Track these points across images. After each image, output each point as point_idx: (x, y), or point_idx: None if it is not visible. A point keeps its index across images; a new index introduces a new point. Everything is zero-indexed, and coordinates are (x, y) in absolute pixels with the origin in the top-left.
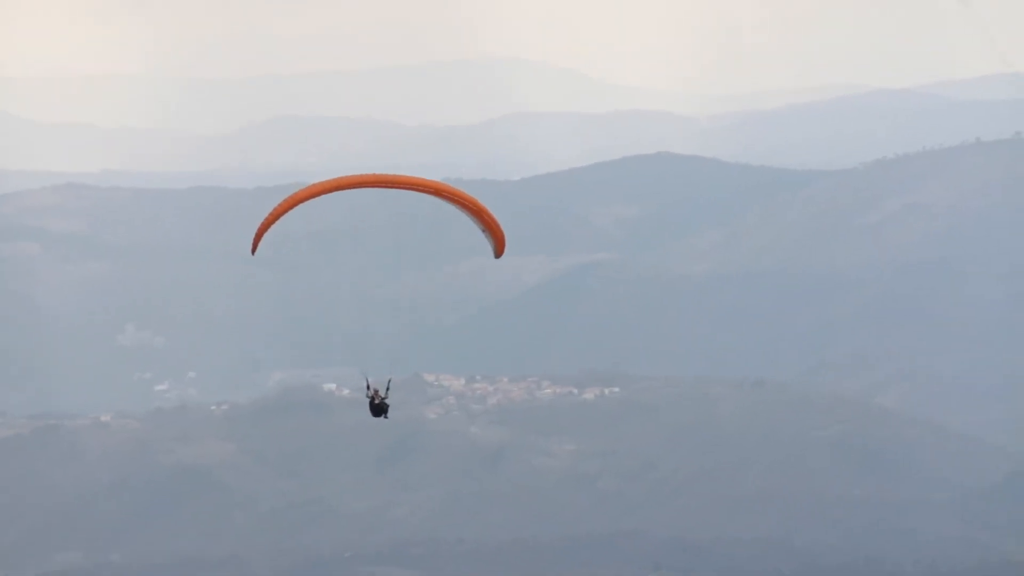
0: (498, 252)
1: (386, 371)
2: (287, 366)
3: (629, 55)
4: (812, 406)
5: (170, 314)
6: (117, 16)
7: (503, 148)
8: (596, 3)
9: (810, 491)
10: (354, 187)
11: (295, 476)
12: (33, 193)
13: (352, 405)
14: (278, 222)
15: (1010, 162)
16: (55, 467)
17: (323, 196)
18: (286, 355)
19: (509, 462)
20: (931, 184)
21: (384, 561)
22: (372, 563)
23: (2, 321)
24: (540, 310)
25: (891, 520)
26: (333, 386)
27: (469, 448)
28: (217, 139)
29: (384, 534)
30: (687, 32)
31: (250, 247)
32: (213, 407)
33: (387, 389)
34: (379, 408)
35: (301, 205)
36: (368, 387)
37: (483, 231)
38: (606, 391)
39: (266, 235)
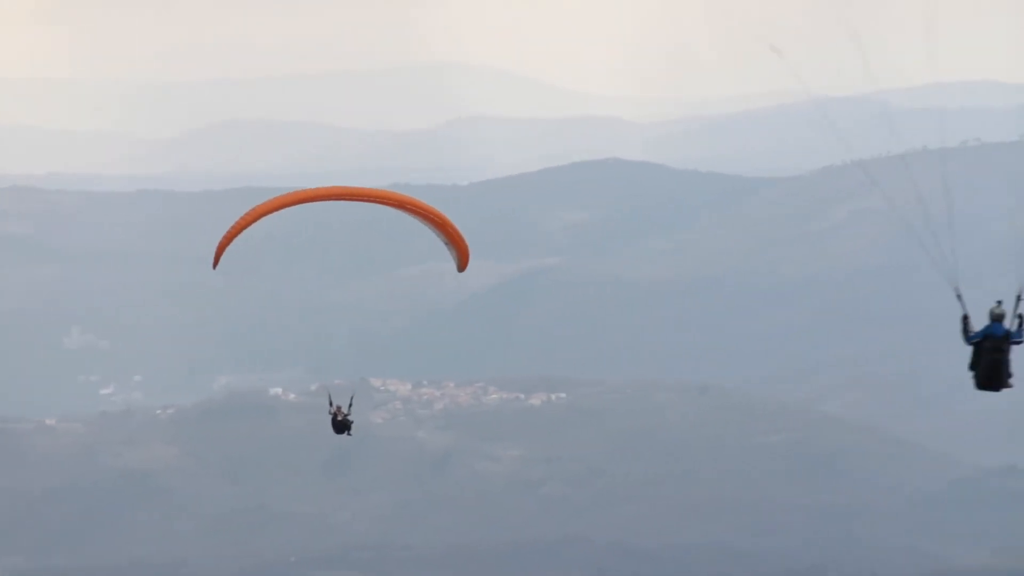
0: (461, 266)
1: (342, 382)
2: (233, 370)
3: (579, 61)
4: (757, 413)
5: (116, 317)
6: (65, 19)
7: (453, 153)
8: (546, 9)
9: (754, 498)
10: (317, 200)
11: (241, 480)
12: None
13: (298, 409)
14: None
15: (957, 169)
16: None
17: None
18: (232, 359)
19: (455, 467)
20: (877, 191)
21: (330, 566)
22: (318, 568)
23: None
24: (488, 315)
25: (835, 527)
26: (279, 390)
27: (415, 453)
28: (165, 142)
29: (330, 539)
30: (636, 39)
31: (193, 252)
32: (158, 411)
33: (350, 405)
34: (342, 425)
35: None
36: (331, 404)
37: (446, 244)
38: (553, 397)
39: (211, 238)
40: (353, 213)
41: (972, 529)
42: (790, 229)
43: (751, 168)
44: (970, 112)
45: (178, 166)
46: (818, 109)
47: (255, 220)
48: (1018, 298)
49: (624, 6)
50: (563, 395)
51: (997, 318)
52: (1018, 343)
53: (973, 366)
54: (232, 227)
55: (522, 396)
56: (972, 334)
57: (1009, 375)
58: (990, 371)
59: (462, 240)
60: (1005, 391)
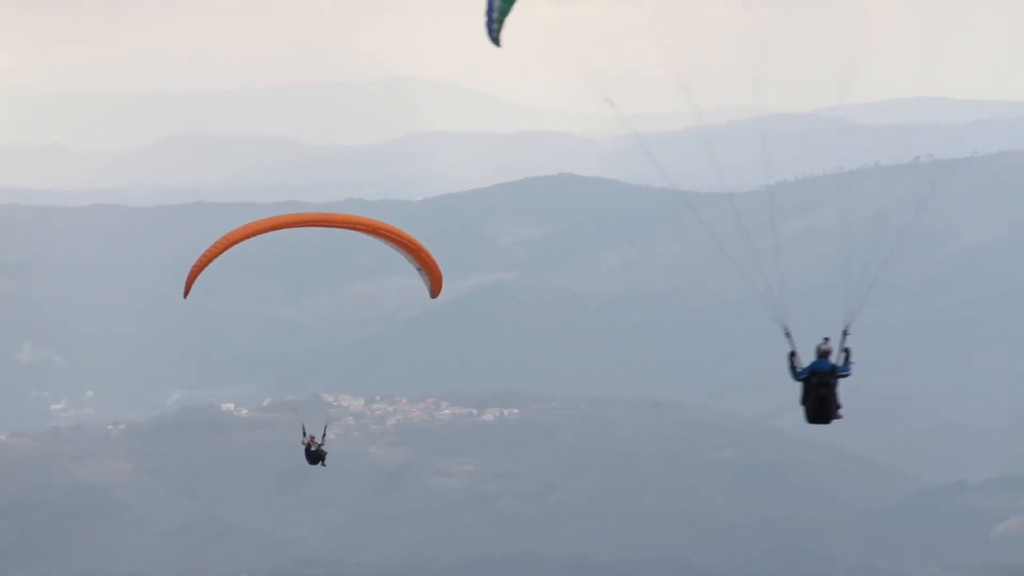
0: (434, 292)
1: (294, 397)
2: (185, 386)
3: (532, 77)
4: (710, 428)
5: (68, 332)
6: (15, 30)
7: (405, 168)
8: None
9: (707, 512)
10: (290, 227)
11: (194, 496)
12: None
13: (251, 425)
14: (176, 242)
15: (909, 186)
16: None
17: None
18: (185, 374)
19: (408, 483)
20: (830, 207)
21: None
22: None
23: None
24: (441, 330)
25: (787, 542)
26: (231, 406)
27: (368, 469)
28: (118, 156)
29: (283, 554)
30: (588, 54)
31: (146, 266)
32: (111, 426)
33: (323, 436)
34: (316, 455)
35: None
36: (304, 434)
37: (419, 270)
38: (506, 412)
39: (165, 252)
40: (306, 228)
41: (923, 545)
42: (743, 244)
43: (704, 184)
44: (923, 128)
45: (132, 180)
46: (772, 125)
47: (228, 247)
48: (844, 333)
49: (577, 22)
50: (516, 411)
51: (823, 354)
52: (844, 376)
53: (803, 401)
54: (205, 254)
55: (475, 412)
56: (799, 370)
57: (838, 407)
58: (818, 405)
59: (436, 266)
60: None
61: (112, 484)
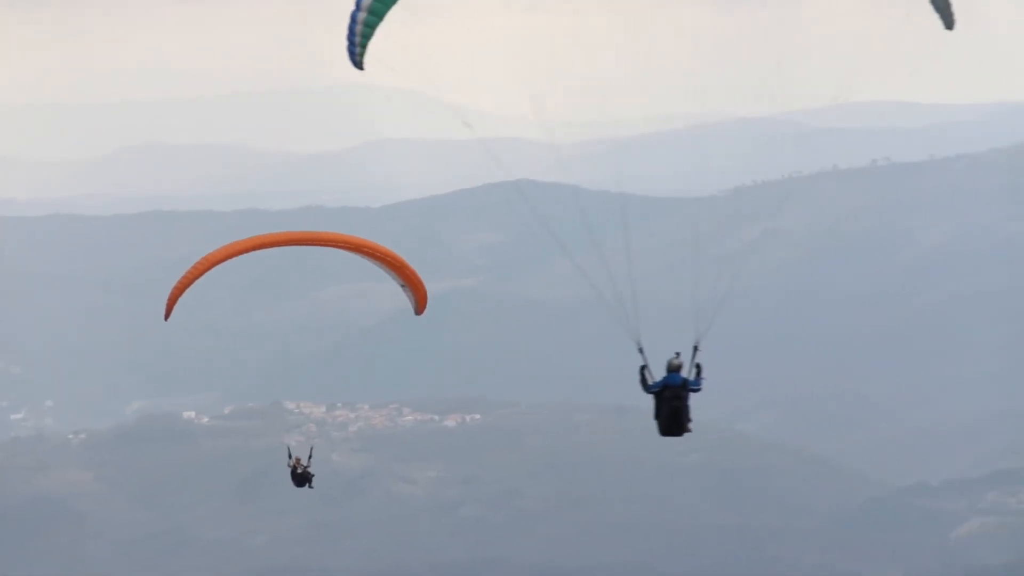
0: (419, 309)
1: (255, 405)
2: (146, 394)
3: (488, 82)
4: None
5: (26, 342)
6: None
7: (363, 175)
8: (454, 30)
9: (670, 518)
10: (271, 246)
11: (154, 505)
12: None
13: (212, 434)
14: (135, 251)
15: (866, 189)
16: None
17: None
18: (145, 383)
19: (371, 489)
20: (789, 211)
21: None
22: None
23: None
24: (402, 336)
25: (751, 546)
26: (192, 414)
27: (330, 475)
28: (74, 166)
29: (245, 563)
30: (546, 60)
31: (104, 275)
32: (71, 436)
33: (309, 457)
34: (302, 478)
35: (156, 226)
36: (289, 456)
37: (403, 287)
38: (468, 418)
39: (122, 261)
40: (261, 228)
41: (886, 548)
42: (703, 249)
43: (663, 189)
44: (880, 132)
45: (87, 190)
46: (730, 130)
47: (209, 268)
48: (695, 348)
49: (533, 27)
50: (478, 416)
51: (675, 368)
52: (696, 391)
53: (656, 415)
54: (184, 276)
55: (437, 418)
56: (651, 384)
57: (688, 420)
58: (671, 419)
59: (420, 283)
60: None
61: (72, 494)
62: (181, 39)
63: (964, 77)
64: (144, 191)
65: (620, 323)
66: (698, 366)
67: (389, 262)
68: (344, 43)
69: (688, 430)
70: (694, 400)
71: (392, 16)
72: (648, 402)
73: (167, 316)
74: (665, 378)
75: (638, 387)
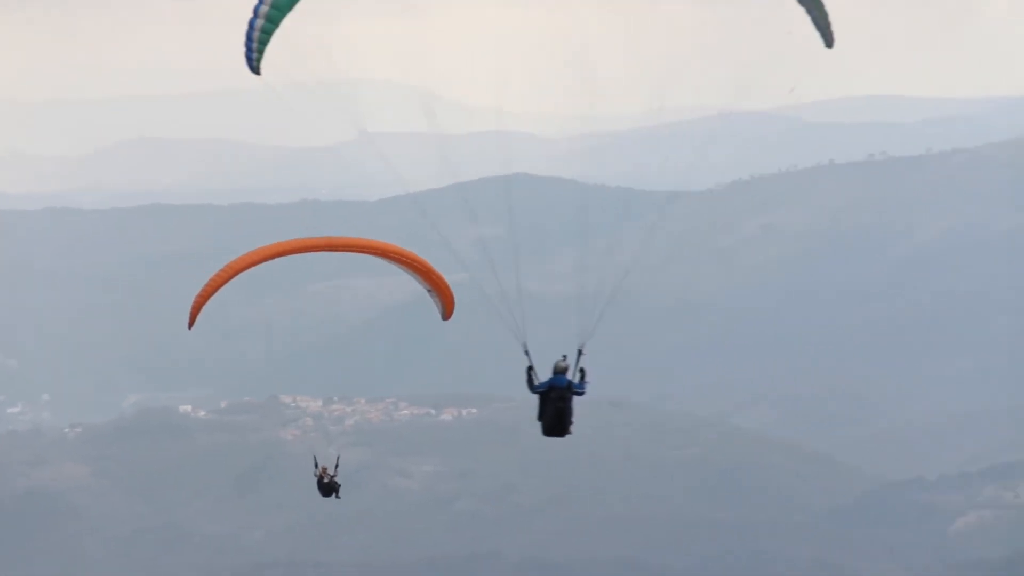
0: (446, 314)
1: (252, 399)
2: (143, 388)
3: (485, 77)
4: (668, 427)
5: (23, 336)
6: None
7: (359, 169)
8: (450, 25)
9: (666, 512)
10: (297, 252)
11: (150, 500)
12: None
13: (208, 427)
14: (132, 245)
15: (863, 183)
16: None
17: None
18: (142, 378)
19: (367, 483)
20: (786, 206)
21: None
22: None
23: None
24: (398, 331)
25: (746, 541)
26: (189, 408)
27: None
28: (71, 161)
29: (242, 557)
30: (542, 54)
31: (101, 270)
32: (67, 429)
33: (336, 467)
34: (329, 487)
35: (156, 222)
36: (316, 466)
37: (429, 292)
38: (464, 412)
39: (120, 255)
40: (260, 229)
41: (883, 542)
42: (699, 244)
43: (660, 183)
44: (877, 126)
45: (85, 184)
46: (726, 124)
47: (232, 277)
48: (579, 353)
49: (530, 23)
50: (474, 410)
51: (560, 371)
52: (580, 394)
53: (540, 416)
54: (208, 285)
55: (433, 412)
56: (537, 384)
57: (571, 422)
58: (554, 419)
59: (447, 287)
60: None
61: (68, 488)
62: (177, 35)
63: (961, 72)
64: (141, 185)
65: (507, 324)
66: (582, 370)
67: (416, 267)
68: (245, 48)
69: (570, 432)
70: (692, 394)
71: (387, 11)
72: (644, 396)
73: (191, 324)
74: (551, 379)
75: (631, 382)
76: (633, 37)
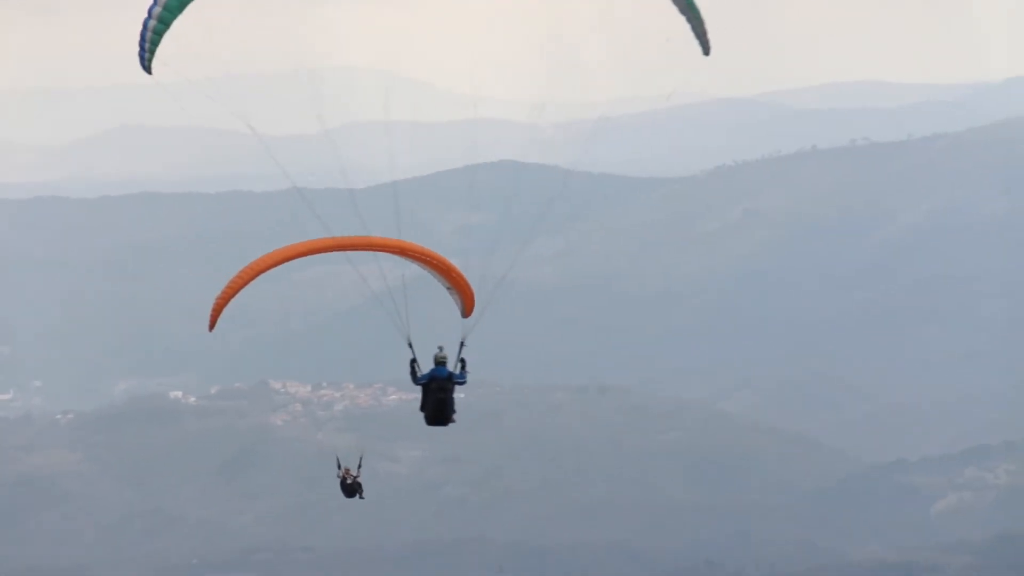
0: (466, 312)
1: (242, 385)
2: (133, 375)
3: (469, 64)
4: (655, 412)
5: (14, 324)
6: None
7: (346, 156)
8: (433, 12)
9: (652, 496)
10: (317, 252)
11: (141, 484)
12: None
13: (198, 413)
14: (121, 233)
15: (846, 168)
16: None
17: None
18: (132, 364)
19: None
20: (770, 191)
21: (230, 568)
22: (218, 571)
23: None
24: (386, 317)
25: (731, 523)
26: (179, 393)
27: (315, 454)
28: (60, 149)
29: (230, 542)
30: (525, 42)
31: (91, 257)
32: (59, 416)
33: (359, 467)
34: (352, 488)
35: (142, 209)
36: (339, 466)
37: (449, 290)
38: None
39: (110, 242)
40: (248, 216)
41: (864, 522)
42: (684, 229)
43: (643, 169)
44: (859, 112)
45: (73, 172)
46: (710, 110)
47: (254, 277)
48: (461, 344)
49: (512, 9)
50: (461, 396)
51: (440, 362)
52: (461, 384)
53: (423, 406)
54: (229, 286)
55: (419, 397)
56: (419, 376)
57: (453, 411)
58: (436, 409)
59: (467, 286)
60: None
61: (59, 474)
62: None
63: (943, 58)
64: (130, 174)
65: (391, 317)
66: (462, 360)
67: (437, 266)
68: (138, 48)
69: (453, 420)
70: (677, 379)
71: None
72: (630, 381)
73: (212, 327)
74: (432, 371)
75: (616, 367)
76: (618, 24)
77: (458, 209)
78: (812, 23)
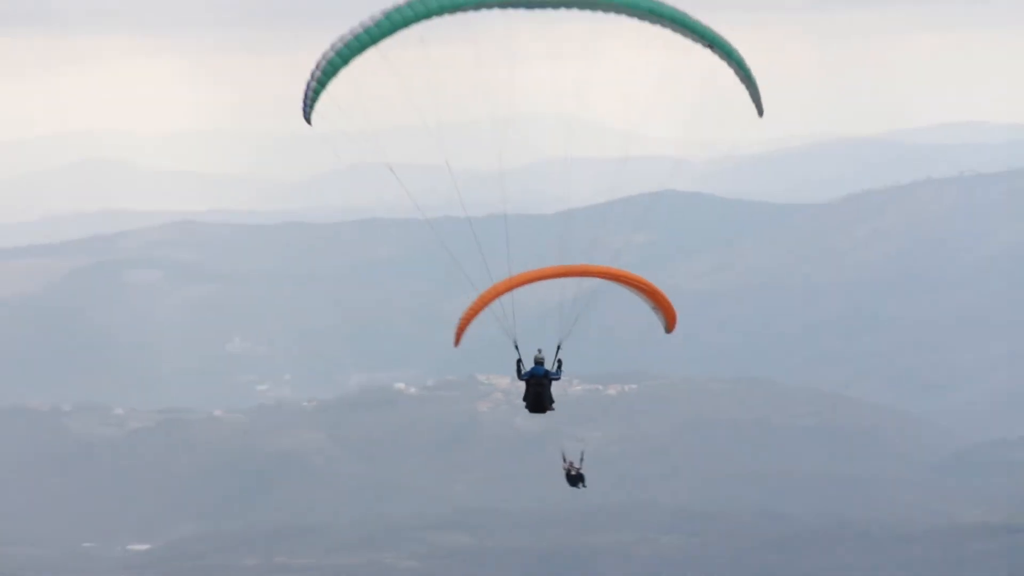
0: (669, 328)
1: (453, 377)
2: (364, 369)
3: (637, 108)
4: (794, 398)
5: (268, 327)
6: (226, 81)
7: (538, 188)
8: (606, 63)
9: (792, 467)
10: (545, 278)
11: (372, 459)
12: (154, 229)
13: (418, 401)
14: (353, 252)
15: (954, 196)
16: (176, 453)
17: (395, 229)
18: (364, 360)
19: (547, 447)
20: (891, 214)
21: (445, 528)
22: (435, 529)
23: (131, 334)
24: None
25: (859, 491)
26: (402, 385)
27: (514, 435)
28: (300, 184)
29: (445, 506)
30: (683, 89)
31: (329, 272)
32: (305, 403)
33: (581, 460)
34: (576, 478)
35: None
36: (564, 460)
37: (654, 309)
38: (626, 388)
39: (344, 260)
40: (455, 237)
41: (971, 491)
42: (819, 247)
43: (787, 197)
44: (966, 147)
45: (313, 202)
46: (841, 147)
47: (493, 300)
48: (558, 347)
49: (670, 63)
50: (634, 386)
51: (539, 362)
52: (556, 380)
53: (525, 397)
54: (471, 308)
55: (601, 387)
56: (523, 373)
57: (551, 400)
58: (536, 400)
59: (670, 306)
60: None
61: (306, 451)
62: (374, 76)
63: None
64: (357, 203)
65: (504, 329)
66: (559, 361)
67: (642, 288)
68: (305, 96)
69: (551, 408)
70: (812, 370)
71: (553, 54)
72: (773, 373)
73: (456, 343)
74: (532, 369)
75: (762, 361)
76: (767, 76)
77: (631, 230)
78: (926, 72)
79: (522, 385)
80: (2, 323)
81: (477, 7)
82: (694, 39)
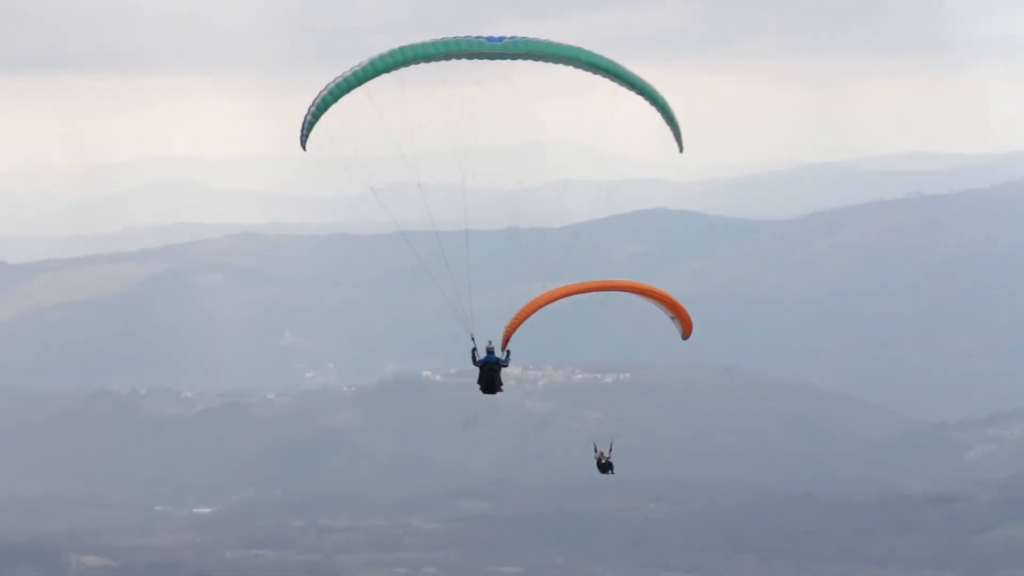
0: (686, 335)
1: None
2: (397, 359)
3: (631, 136)
4: (764, 385)
5: (315, 323)
6: (269, 114)
7: (551, 205)
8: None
9: (761, 444)
10: (576, 293)
11: (403, 436)
12: (218, 240)
13: (443, 387)
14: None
15: (903, 214)
16: (236, 430)
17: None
18: (396, 352)
19: (553, 426)
20: (848, 230)
21: (466, 495)
22: (458, 497)
23: (198, 329)
24: (573, 317)
25: (819, 464)
26: (429, 373)
27: (525, 416)
28: (346, 200)
29: (467, 477)
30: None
31: (367, 275)
32: (345, 388)
33: (610, 450)
34: (606, 466)
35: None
36: (595, 450)
37: (672, 319)
38: (620, 376)
39: (380, 266)
40: (475, 248)
41: (916, 466)
42: (785, 256)
43: (760, 214)
44: (913, 173)
45: (356, 217)
46: (804, 172)
47: (532, 313)
48: (506, 350)
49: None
50: (628, 375)
51: (490, 351)
52: (504, 367)
53: (479, 380)
54: (517, 317)
55: (599, 376)
56: (478, 360)
57: (501, 383)
58: (488, 383)
59: (687, 316)
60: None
61: (347, 429)
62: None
63: (970, 132)
64: (394, 218)
65: (460, 320)
66: (508, 351)
67: (662, 300)
68: (305, 122)
69: (501, 390)
70: (780, 361)
71: (566, 92)
72: (747, 363)
73: (504, 346)
74: (485, 357)
75: (739, 353)
76: (742, 111)
77: (627, 242)
78: (881, 109)
79: (475, 370)
80: (89, 320)
81: (447, 57)
82: (627, 87)
